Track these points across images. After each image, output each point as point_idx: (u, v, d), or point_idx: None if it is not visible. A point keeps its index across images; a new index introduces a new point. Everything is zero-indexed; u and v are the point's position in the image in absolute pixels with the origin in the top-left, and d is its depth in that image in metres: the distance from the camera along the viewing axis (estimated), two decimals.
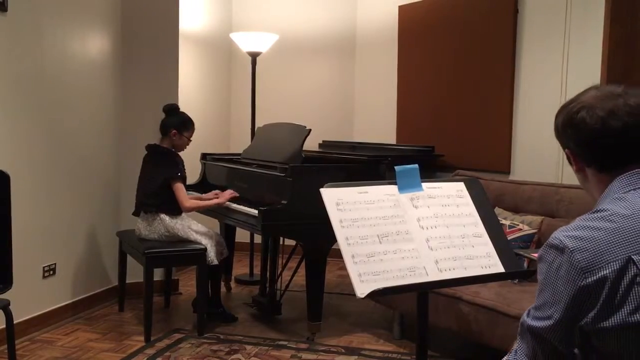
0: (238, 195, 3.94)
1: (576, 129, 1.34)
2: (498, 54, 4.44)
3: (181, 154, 3.95)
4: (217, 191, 4.06)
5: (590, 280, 1.18)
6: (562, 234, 1.25)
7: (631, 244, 1.19)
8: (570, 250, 1.21)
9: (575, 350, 1.26)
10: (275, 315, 4.07)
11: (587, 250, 1.20)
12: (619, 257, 1.18)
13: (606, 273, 1.18)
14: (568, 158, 1.42)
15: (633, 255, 1.18)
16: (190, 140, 4.00)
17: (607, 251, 1.19)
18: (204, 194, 4.12)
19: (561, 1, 4.05)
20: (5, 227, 2.72)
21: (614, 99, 1.33)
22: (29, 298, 3.65)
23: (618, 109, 1.31)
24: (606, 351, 1.21)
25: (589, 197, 1.48)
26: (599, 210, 1.27)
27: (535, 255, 2.51)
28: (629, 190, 1.29)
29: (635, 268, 1.18)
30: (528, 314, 1.30)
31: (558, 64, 4.08)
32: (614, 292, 1.17)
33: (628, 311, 1.17)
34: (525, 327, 1.29)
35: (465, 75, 4.71)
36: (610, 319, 1.18)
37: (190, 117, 3.99)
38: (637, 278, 1.17)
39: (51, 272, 3.86)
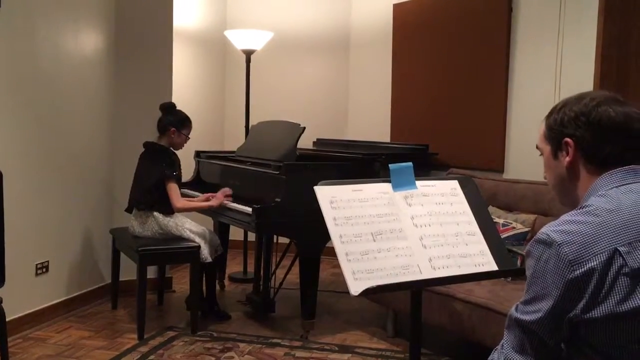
0: (231, 196, 3.91)
1: (597, 120, 1.37)
2: (492, 52, 4.45)
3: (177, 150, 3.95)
4: (209, 194, 4.03)
5: (578, 272, 1.21)
6: (548, 229, 1.28)
7: (617, 236, 1.23)
8: (558, 244, 1.24)
9: (562, 345, 1.28)
10: (269, 313, 4.07)
11: (575, 243, 1.23)
12: (606, 248, 1.22)
13: (594, 265, 1.21)
14: (559, 149, 1.42)
15: (619, 246, 1.22)
16: (189, 138, 4.00)
17: (593, 243, 1.22)
18: (196, 199, 4.11)
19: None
20: None
21: (624, 104, 1.38)
22: (22, 295, 3.64)
23: (632, 112, 1.37)
24: (595, 342, 1.23)
25: (558, 198, 1.50)
26: (584, 207, 1.31)
27: None
28: (611, 188, 1.33)
29: (621, 259, 1.21)
30: (516, 309, 1.32)
31: (552, 62, 4.08)
32: (601, 283, 1.20)
33: (616, 301, 1.20)
34: (513, 320, 1.32)
35: (460, 73, 4.71)
36: (598, 309, 1.20)
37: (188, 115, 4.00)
38: (624, 269, 1.20)
39: (44, 270, 3.85)
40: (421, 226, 1.90)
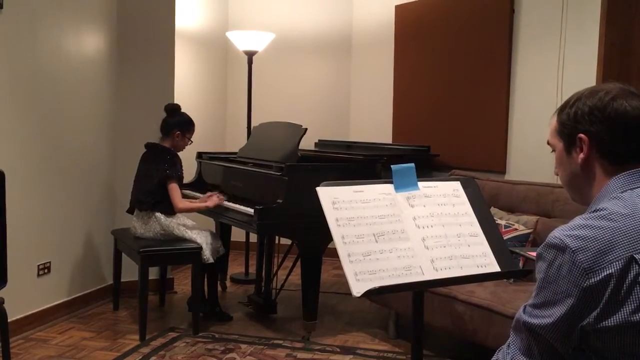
0: (225, 200, 3.92)
1: (613, 115, 1.31)
2: (494, 54, 4.45)
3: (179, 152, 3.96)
4: (211, 193, 4.06)
5: (593, 280, 1.18)
6: (562, 233, 1.23)
7: (632, 242, 1.19)
8: (572, 250, 1.19)
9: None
10: (270, 315, 4.07)
11: (590, 249, 1.19)
12: (622, 256, 1.18)
13: (609, 273, 1.17)
14: (573, 146, 1.37)
15: (635, 254, 1.18)
16: (192, 142, 4.01)
17: (609, 250, 1.18)
18: (197, 200, 4.12)
19: (557, 1, 4.06)
20: (0, 225, 2.70)
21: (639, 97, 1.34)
22: (24, 296, 3.64)
23: None
24: (606, 351, 1.20)
25: (570, 195, 1.45)
26: (597, 210, 1.26)
27: (531, 253, 2.52)
28: (625, 190, 1.29)
29: (637, 267, 1.17)
30: (524, 310, 1.29)
31: (554, 64, 4.08)
32: (616, 292, 1.17)
33: (630, 310, 1.16)
34: (521, 324, 1.28)
35: (461, 75, 4.71)
36: (612, 319, 1.17)
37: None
38: (639, 277, 1.17)
39: (46, 271, 3.85)
40: (423, 227, 1.90)
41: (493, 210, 3.58)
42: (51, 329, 3.75)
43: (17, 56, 3.56)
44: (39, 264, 3.79)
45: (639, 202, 1.25)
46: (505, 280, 3.13)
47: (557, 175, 1.47)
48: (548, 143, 1.46)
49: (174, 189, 3.76)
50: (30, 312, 3.71)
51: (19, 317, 3.59)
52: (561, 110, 1.41)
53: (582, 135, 1.35)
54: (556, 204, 3.43)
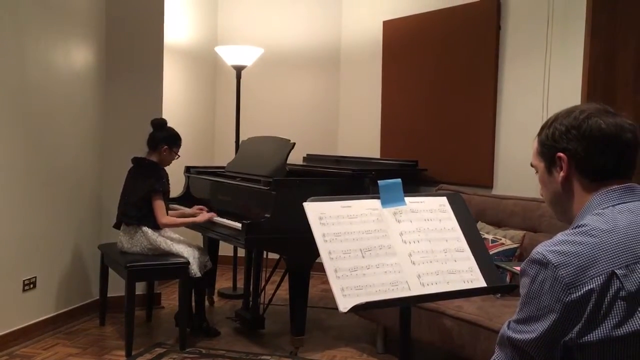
0: (216, 216, 3.91)
1: (588, 132, 1.35)
2: (481, 70, 4.49)
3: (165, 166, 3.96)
4: (200, 207, 4.06)
5: (575, 295, 1.19)
6: (544, 249, 1.26)
7: (613, 258, 1.21)
8: (554, 266, 1.22)
9: None
10: (258, 330, 4.05)
11: (571, 265, 1.21)
12: (603, 271, 1.20)
13: (591, 288, 1.19)
14: (553, 165, 1.41)
15: (616, 269, 1.20)
16: (179, 156, 4.01)
17: (590, 266, 1.20)
18: (187, 210, 4.13)
19: (543, 17, 4.11)
20: None
21: (615, 115, 1.37)
22: (9, 312, 3.60)
23: (623, 122, 1.35)
24: None
25: (555, 214, 1.48)
26: (579, 226, 1.28)
27: (517, 268, 2.53)
28: (607, 207, 1.31)
29: (618, 282, 1.19)
30: (509, 326, 1.30)
31: (540, 79, 4.13)
32: (598, 307, 1.18)
33: (612, 325, 1.18)
34: (505, 339, 1.29)
35: (449, 90, 4.75)
36: (594, 333, 1.19)
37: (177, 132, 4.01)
38: (621, 292, 1.18)
39: (31, 286, 3.81)
40: (410, 242, 1.91)
41: (480, 224, 3.60)
42: (36, 345, 3.71)
43: (4, 70, 3.54)
44: (24, 279, 3.76)
45: (619, 218, 1.28)
46: (492, 295, 3.14)
47: (542, 195, 1.50)
48: (532, 165, 1.49)
49: (158, 204, 3.75)
50: (15, 328, 3.67)
51: (3, 333, 3.55)
52: (541, 132, 1.45)
53: (560, 154, 1.39)
54: (543, 218, 3.44)
